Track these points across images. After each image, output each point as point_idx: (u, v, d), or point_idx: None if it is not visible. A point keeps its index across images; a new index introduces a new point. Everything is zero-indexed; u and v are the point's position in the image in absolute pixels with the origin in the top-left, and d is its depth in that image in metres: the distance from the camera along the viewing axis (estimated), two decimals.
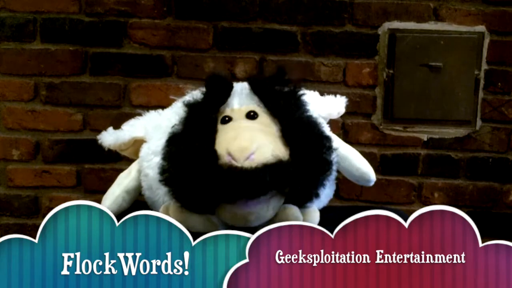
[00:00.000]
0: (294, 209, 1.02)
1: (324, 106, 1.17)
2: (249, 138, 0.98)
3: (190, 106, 1.05)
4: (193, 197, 0.97)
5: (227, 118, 1.05)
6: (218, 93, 1.06)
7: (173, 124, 1.05)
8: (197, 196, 0.96)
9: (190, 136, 0.99)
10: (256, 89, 1.09)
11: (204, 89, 1.08)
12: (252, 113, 1.06)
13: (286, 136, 1.01)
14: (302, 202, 1.03)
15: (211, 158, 0.95)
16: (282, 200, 1.01)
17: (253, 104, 1.08)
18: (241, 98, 1.09)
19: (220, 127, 1.03)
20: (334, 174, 1.10)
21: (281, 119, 1.04)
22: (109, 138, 1.15)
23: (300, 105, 1.07)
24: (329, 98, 1.22)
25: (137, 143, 1.13)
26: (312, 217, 1.05)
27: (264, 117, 1.06)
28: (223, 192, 0.94)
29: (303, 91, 1.10)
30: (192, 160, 0.95)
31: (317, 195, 1.03)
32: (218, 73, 1.12)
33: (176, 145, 1.00)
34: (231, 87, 1.09)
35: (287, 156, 0.98)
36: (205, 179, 0.94)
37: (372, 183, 1.15)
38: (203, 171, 0.94)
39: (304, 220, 1.02)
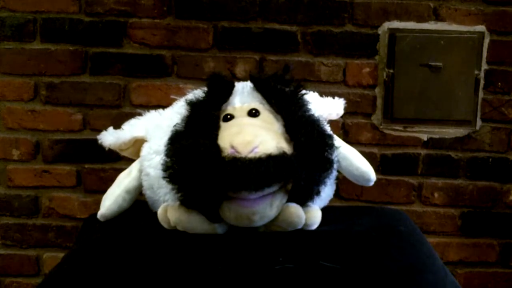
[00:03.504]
0: (297, 208, 1.02)
1: (323, 107, 1.17)
2: (253, 133, 0.98)
3: (192, 104, 1.05)
4: (197, 193, 0.96)
5: (229, 116, 1.05)
6: (220, 92, 1.07)
7: (174, 123, 1.05)
8: (202, 191, 0.95)
9: (193, 132, 0.99)
10: (259, 87, 1.09)
11: (206, 88, 1.09)
12: (254, 111, 1.06)
13: (290, 133, 1.01)
14: (304, 199, 1.03)
15: (214, 151, 0.95)
16: (285, 199, 1.01)
17: (255, 102, 1.08)
18: (242, 96, 1.09)
19: (223, 124, 1.03)
20: (334, 173, 1.10)
21: (285, 116, 1.04)
22: (110, 138, 1.15)
23: (302, 103, 1.07)
24: (328, 99, 1.22)
25: (138, 143, 1.13)
26: (314, 216, 1.05)
27: (265, 115, 1.06)
28: (228, 183, 0.92)
29: (305, 90, 1.10)
30: (195, 154, 0.95)
31: (318, 193, 1.03)
32: (219, 72, 1.13)
33: (178, 142, 1.00)
34: (233, 86, 1.09)
35: (290, 151, 0.98)
36: (209, 172, 0.93)
37: (372, 183, 1.15)
38: (206, 164, 0.93)
39: (306, 219, 1.02)
